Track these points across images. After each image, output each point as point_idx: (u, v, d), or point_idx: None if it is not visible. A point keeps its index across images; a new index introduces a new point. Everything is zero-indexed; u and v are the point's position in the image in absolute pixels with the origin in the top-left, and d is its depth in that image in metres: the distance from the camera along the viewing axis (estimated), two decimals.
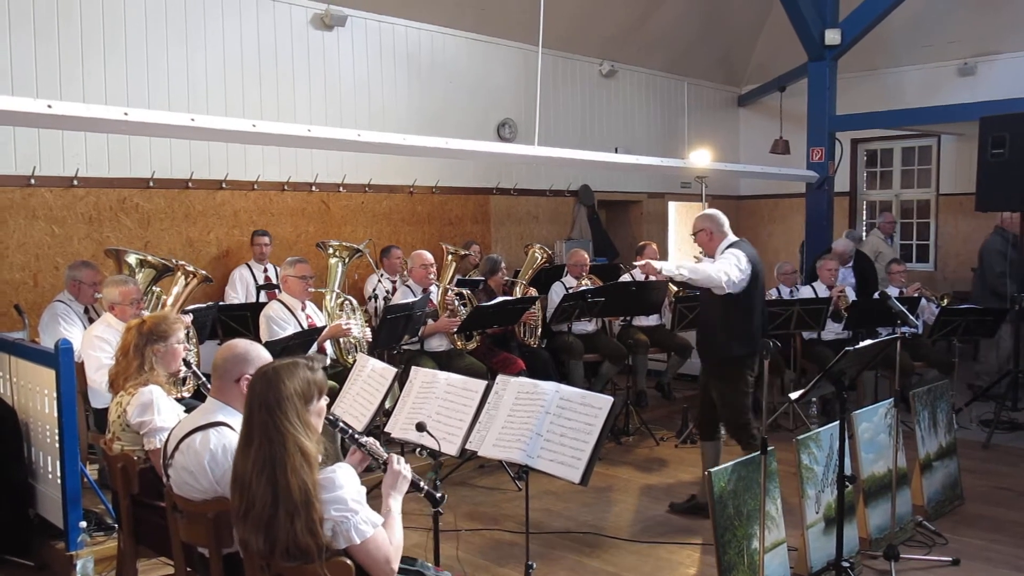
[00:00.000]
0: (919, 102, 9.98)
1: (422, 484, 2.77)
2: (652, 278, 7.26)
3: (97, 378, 4.48)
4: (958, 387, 7.04)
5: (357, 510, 2.36)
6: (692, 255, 5.07)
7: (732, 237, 4.80)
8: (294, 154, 7.35)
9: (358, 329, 5.65)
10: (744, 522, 3.67)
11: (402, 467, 2.65)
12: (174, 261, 5.41)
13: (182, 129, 4.92)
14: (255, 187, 7.14)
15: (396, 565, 2.43)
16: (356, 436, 2.74)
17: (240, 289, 6.69)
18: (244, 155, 7.02)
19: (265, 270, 6.78)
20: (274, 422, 2.34)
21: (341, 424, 2.75)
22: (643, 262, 4.71)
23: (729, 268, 4.52)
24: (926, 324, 7.09)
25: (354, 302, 5.92)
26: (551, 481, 4.42)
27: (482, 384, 3.71)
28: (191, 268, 5.37)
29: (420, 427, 3.45)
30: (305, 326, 5.33)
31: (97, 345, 4.52)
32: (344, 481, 2.37)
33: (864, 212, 11.41)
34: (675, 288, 7.16)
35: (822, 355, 6.78)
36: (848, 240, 8.19)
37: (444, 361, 5.95)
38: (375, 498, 2.44)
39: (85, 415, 4.73)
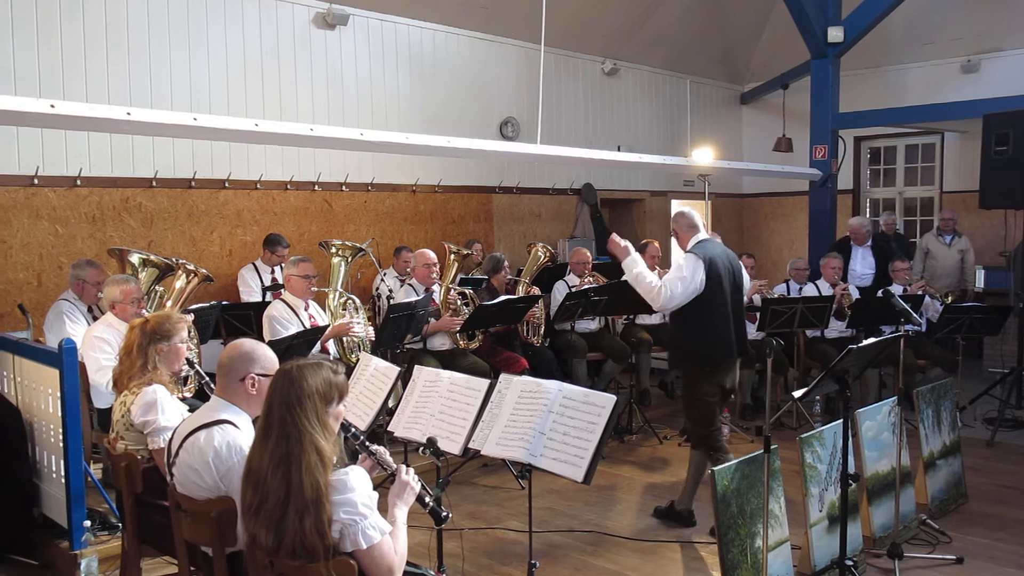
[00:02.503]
0: (922, 99, 9.97)
1: (428, 500, 2.76)
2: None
3: (98, 378, 4.49)
4: (962, 384, 7.03)
5: (367, 515, 2.36)
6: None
7: (701, 235, 4.70)
8: (297, 153, 7.35)
9: (361, 328, 5.66)
10: (747, 520, 3.66)
11: (410, 478, 2.65)
12: (175, 260, 5.42)
13: (185, 129, 4.94)
14: (258, 186, 7.15)
15: (399, 575, 2.43)
16: (367, 444, 2.74)
17: (255, 288, 6.70)
18: (247, 154, 7.03)
19: (272, 271, 6.77)
20: (293, 419, 2.35)
21: (353, 430, 2.74)
22: (615, 240, 4.65)
23: (672, 283, 4.45)
24: (930, 322, 7.08)
25: (357, 301, 5.92)
26: (554, 480, 4.42)
27: (485, 383, 3.71)
28: (192, 267, 5.38)
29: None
30: (308, 325, 5.33)
31: (97, 346, 4.53)
32: (356, 484, 2.37)
33: (868, 210, 11.38)
34: None
35: (826, 353, 6.78)
36: (863, 217, 8.07)
37: (447, 360, 5.96)
38: (381, 498, 2.44)
39: (89, 414, 4.74)
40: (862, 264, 8.43)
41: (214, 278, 5.79)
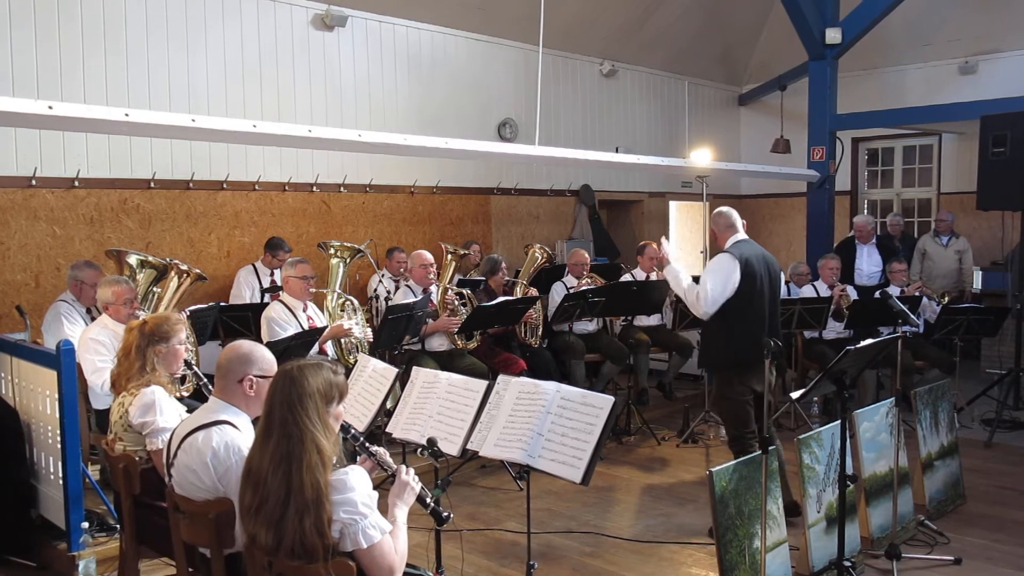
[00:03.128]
0: (920, 101, 9.98)
1: (428, 500, 2.77)
2: (653, 276, 7.30)
3: (93, 380, 4.48)
4: (960, 385, 7.04)
5: (366, 514, 2.36)
6: (696, 251, 5.03)
7: (739, 235, 4.70)
8: (295, 154, 7.35)
9: (359, 329, 5.65)
10: (745, 521, 3.66)
11: (410, 478, 2.65)
12: (167, 260, 5.41)
13: (183, 130, 4.93)
14: (256, 188, 7.14)
15: (400, 575, 2.43)
16: (367, 444, 2.74)
17: (246, 292, 6.68)
18: (245, 156, 7.02)
19: (272, 274, 6.76)
20: (294, 418, 2.36)
21: (353, 431, 2.74)
22: (662, 251, 4.89)
23: (702, 290, 4.52)
24: (927, 323, 7.09)
25: (355, 302, 5.92)
26: (552, 481, 4.42)
27: (483, 384, 3.71)
28: (184, 267, 5.36)
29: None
30: (306, 327, 5.33)
31: (92, 347, 4.52)
32: (356, 484, 2.37)
33: (865, 211, 11.39)
34: None
35: (823, 354, 6.78)
36: (868, 215, 8.06)
37: (445, 361, 5.96)
38: (381, 498, 2.44)
39: (87, 416, 4.74)
40: (868, 263, 8.43)
41: (207, 277, 5.78)
